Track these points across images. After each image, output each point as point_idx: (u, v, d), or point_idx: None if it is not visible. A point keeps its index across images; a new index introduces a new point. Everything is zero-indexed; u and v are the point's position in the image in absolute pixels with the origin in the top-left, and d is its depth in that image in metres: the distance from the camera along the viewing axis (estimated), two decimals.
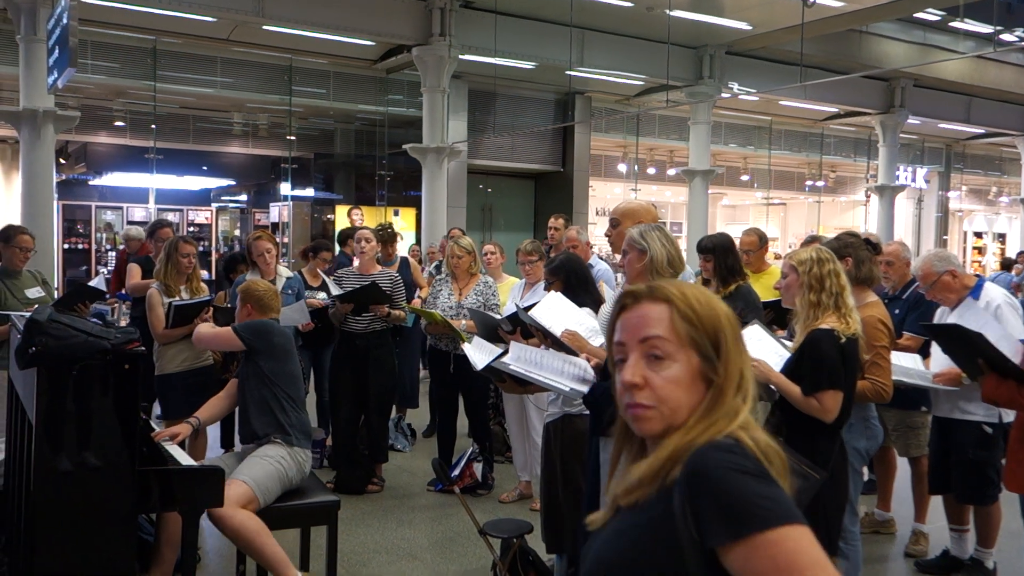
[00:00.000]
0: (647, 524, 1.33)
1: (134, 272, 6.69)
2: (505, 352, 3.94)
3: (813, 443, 3.44)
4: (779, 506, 1.23)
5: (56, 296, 6.39)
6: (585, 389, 3.46)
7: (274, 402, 4.20)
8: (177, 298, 5.41)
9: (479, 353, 4.09)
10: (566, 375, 3.47)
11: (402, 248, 9.33)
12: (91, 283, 6.78)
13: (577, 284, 4.55)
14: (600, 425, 3.54)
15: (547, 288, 4.62)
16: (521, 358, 3.48)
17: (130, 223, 15.42)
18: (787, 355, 3.73)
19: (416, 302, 6.96)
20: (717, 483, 1.26)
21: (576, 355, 3.83)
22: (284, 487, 4.10)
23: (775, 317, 5.37)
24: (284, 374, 4.26)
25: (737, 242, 5.40)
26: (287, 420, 4.20)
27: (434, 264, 8.98)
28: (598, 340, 3.93)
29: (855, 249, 4.33)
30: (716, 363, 1.40)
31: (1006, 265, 16.07)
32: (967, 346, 3.90)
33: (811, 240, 6.50)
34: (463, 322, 5.79)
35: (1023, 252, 16.07)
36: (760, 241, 6.24)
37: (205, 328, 4.71)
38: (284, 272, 6.32)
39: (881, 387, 3.98)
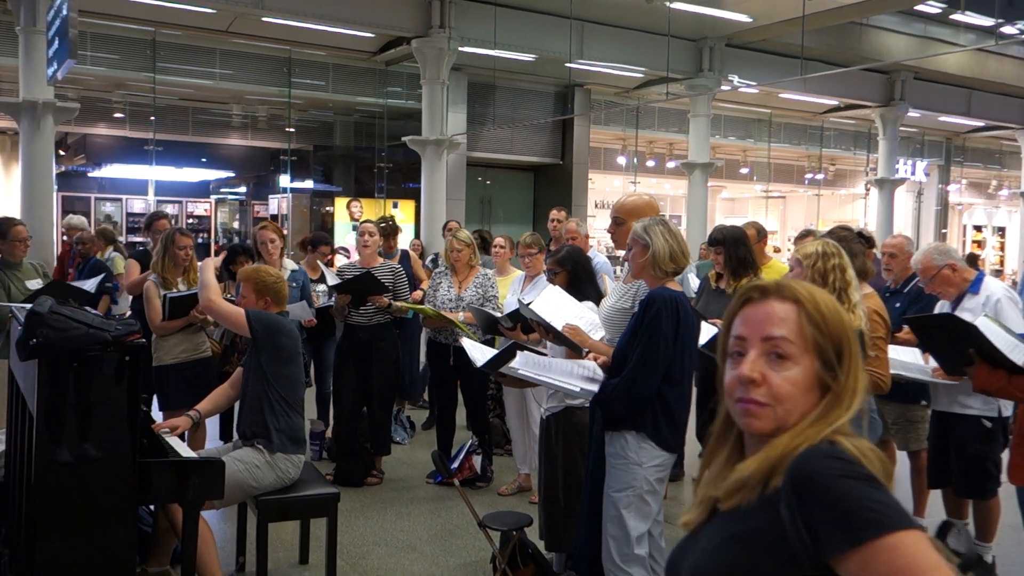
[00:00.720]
0: (751, 536, 1.31)
1: (132, 269, 6.51)
2: (505, 351, 3.94)
3: None
4: (893, 511, 1.22)
5: None
6: (595, 388, 3.47)
7: (266, 402, 4.13)
8: (174, 290, 5.40)
9: (478, 351, 4.08)
10: (575, 376, 3.48)
11: (402, 241, 9.31)
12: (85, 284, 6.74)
13: (583, 276, 4.56)
14: (608, 421, 3.54)
15: (550, 279, 4.63)
16: (529, 363, 3.49)
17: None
18: None
19: (417, 294, 6.96)
20: (829, 490, 1.24)
21: (578, 350, 3.85)
22: (249, 494, 4.10)
23: None
24: (283, 376, 4.18)
25: None
26: (275, 424, 4.11)
27: (430, 258, 8.98)
28: (599, 334, 3.94)
29: (848, 243, 4.32)
30: (837, 371, 1.38)
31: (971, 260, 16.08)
32: (957, 336, 3.87)
33: (805, 234, 6.52)
34: (460, 314, 5.80)
35: None
36: (758, 234, 6.25)
37: (221, 300, 4.37)
38: (289, 264, 6.30)
39: (879, 378, 3.99)
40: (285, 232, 14.40)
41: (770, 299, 1.42)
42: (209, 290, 4.35)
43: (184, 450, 3.82)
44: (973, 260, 15.71)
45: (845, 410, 1.37)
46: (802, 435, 1.34)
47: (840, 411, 1.36)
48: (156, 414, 5.42)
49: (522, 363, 3.47)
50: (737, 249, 5.07)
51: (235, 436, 4.43)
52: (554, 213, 7.22)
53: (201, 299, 4.45)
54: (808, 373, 1.37)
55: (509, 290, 6.03)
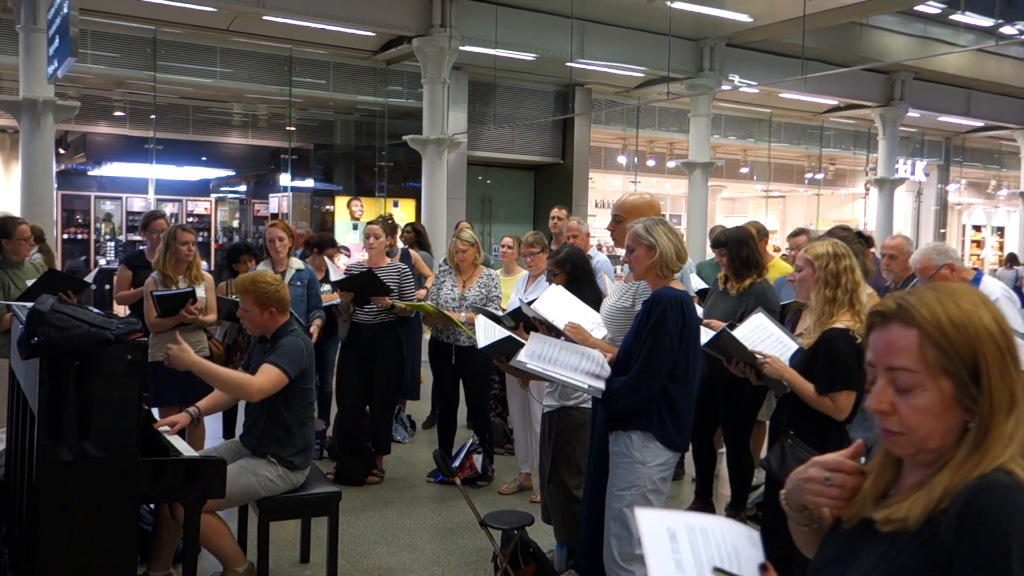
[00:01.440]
0: (914, 564, 1.28)
1: (123, 279, 6.12)
2: (503, 341, 3.93)
3: (824, 438, 3.44)
4: None
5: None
6: (602, 385, 3.46)
7: (282, 425, 4.07)
8: (168, 288, 5.38)
9: (485, 332, 4.05)
10: (580, 371, 3.46)
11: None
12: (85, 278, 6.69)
13: (583, 277, 4.57)
14: (614, 420, 3.54)
15: (550, 280, 4.63)
16: (536, 353, 3.46)
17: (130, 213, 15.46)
18: (794, 347, 3.73)
19: (420, 293, 6.97)
20: (1000, 531, 1.19)
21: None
22: (251, 500, 4.13)
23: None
24: (300, 392, 4.13)
25: None
26: (292, 445, 4.08)
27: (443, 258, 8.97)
28: (600, 332, 3.95)
29: (848, 243, 4.34)
30: (974, 390, 1.29)
31: (1011, 260, 16.09)
32: None
33: (799, 232, 6.53)
34: (463, 315, 5.81)
35: None
36: (758, 233, 6.27)
37: (259, 380, 3.98)
38: (296, 263, 6.25)
39: None
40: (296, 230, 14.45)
41: (890, 325, 1.35)
42: (256, 387, 3.97)
43: (186, 449, 3.82)
44: (1014, 259, 15.73)
45: (1015, 425, 1.28)
46: (962, 469, 1.27)
47: (998, 430, 1.28)
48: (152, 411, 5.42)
49: (529, 355, 3.45)
50: (740, 250, 5.07)
51: (238, 436, 4.40)
52: (555, 211, 7.23)
53: (256, 397, 4.03)
54: (939, 397, 1.30)
55: (513, 290, 6.04)
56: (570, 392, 4.22)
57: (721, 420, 5.29)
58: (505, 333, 4.01)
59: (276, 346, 4.08)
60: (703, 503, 5.49)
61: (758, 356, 3.62)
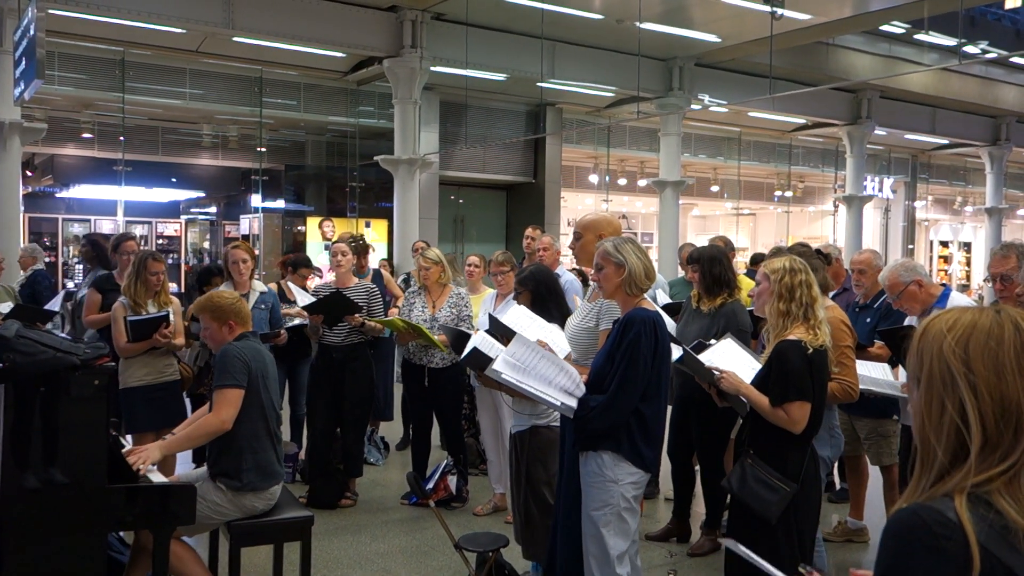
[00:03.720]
0: None
1: (92, 303, 6.02)
2: (473, 354, 3.87)
3: (783, 455, 3.46)
4: None
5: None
6: (574, 403, 3.44)
7: (231, 440, 3.90)
8: (137, 313, 5.32)
9: (481, 344, 3.92)
10: (555, 386, 3.43)
11: (373, 261, 9.27)
12: (47, 305, 6.61)
13: (547, 295, 4.55)
14: (585, 441, 3.53)
15: (516, 298, 4.63)
16: (514, 360, 3.41)
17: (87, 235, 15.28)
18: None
19: (392, 312, 6.93)
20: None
21: None
22: (211, 528, 4.08)
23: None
24: (250, 404, 3.94)
25: None
26: (242, 461, 3.91)
27: (401, 278, 8.94)
28: (564, 354, 3.93)
29: (807, 259, 4.38)
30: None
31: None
32: None
33: (776, 252, 6.58)
34: (436, 337, 5.77)
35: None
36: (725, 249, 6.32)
37: (218, 412, 3.87)
38: (258, 286, 6.18)
39: (848, 386, 4.05)
40: (256, 252, 14.36)
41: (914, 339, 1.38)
42: (202, 430, 3.95)
43: (154, 475, 3.76)
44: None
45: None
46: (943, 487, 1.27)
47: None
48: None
49: (510, 353, 3.41)
50: (712, 267, 5.10)
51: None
52: (529, 231, 7.23)
53: (214, 435, 3.93)
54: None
55: (481, 308, 6.02)
56: (541, 409, 4.20)
57: (694, 439, 5.30)
58: (499, 348, 3.89)
59: (216, 365, 3.99)
60: (680, 523, 5.49)
61: (715, 372, 3.64)
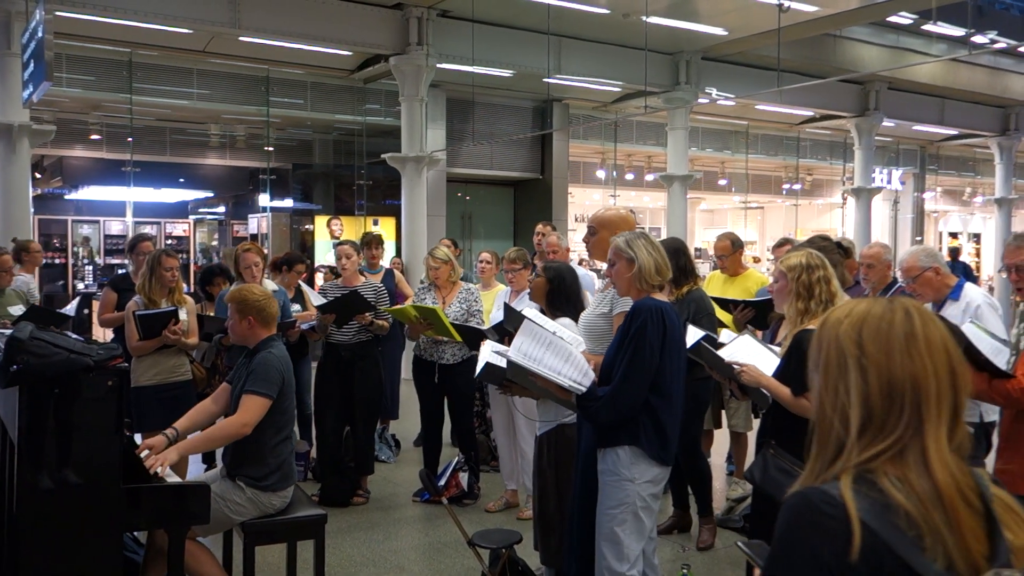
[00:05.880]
0: None
1: (107, 302, 6.11)
2: (488, 367, 3.88)
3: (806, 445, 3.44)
4: None
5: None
6: (581, 388, 3.40)
7: (255, 444, 3.96)
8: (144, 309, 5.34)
9: (490, 358, 3.88)
10: (564, 376, 3.41)
11: (384, 260, 9.28)
12: (63, 309, 6.64)
13: (562, 290, 4.58)
14: (600, 438, 3.52)
15: (532, 283, 4.68)
16: (524, 349, 3.39)
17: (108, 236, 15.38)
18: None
19: None
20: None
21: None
22: (226, 528, 4.12)
23: (754, 317, 5.43)
24: (273, 410, 4.00)
25: (711, 247, 5.47)
26: (265, 465, 3.97)
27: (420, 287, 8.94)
28: (580, 347, 3.93)
29: (827, 253, 4.36)
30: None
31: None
32: None
33: (783, 243, 6.56)
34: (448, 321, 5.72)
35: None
36: (733, 245, 6.33)
37: (243, 415, 3.91)
38: (270, 285, 6.22)
39: None
40: (266, 251, 14.40)
41: None
42: (238, 427, 3.93)
43: (169, 475, 3.78)
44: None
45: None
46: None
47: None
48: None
49: (516, 355, 3.38)
50: (677, 259, 5.10)
51: (219, 463, 4.35)
52: (540, 227, 7.21)
53: (233, 439, 3.98)
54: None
55: (494, 305, 6.03)
56: (565, 410, 4.18)
57: None
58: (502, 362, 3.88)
59: (251, 368, 4.02)
60: (683, 513, 5.53)
61: (735, 367, 3.63)
